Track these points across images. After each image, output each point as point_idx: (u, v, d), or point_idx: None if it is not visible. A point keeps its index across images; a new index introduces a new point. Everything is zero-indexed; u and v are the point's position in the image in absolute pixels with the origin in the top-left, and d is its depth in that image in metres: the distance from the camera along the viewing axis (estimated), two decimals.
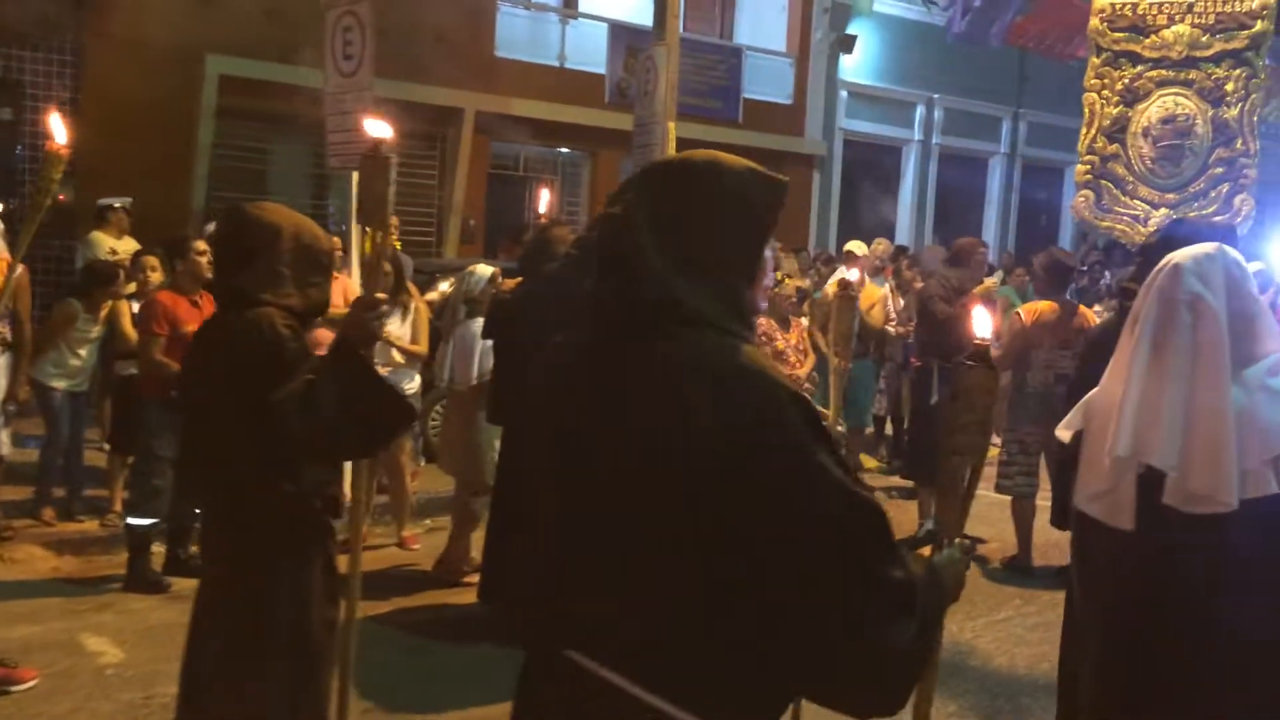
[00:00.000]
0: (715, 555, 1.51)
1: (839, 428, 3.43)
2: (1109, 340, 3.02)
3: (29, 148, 10.08)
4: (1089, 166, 7.47)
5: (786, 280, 8.39)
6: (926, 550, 1.88)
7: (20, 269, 6.67)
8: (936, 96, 16.91)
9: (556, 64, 13.29)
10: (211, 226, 9.08)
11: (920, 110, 17.00)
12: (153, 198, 9.87)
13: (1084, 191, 7.51)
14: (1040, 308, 6.31)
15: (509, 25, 13.06)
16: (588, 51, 13.36)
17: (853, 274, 3.86)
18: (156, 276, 6.26)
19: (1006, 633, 5.32)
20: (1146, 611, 2.65)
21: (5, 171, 10.19)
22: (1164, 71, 7.19)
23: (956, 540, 1.99)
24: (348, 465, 3.34)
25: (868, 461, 9.72)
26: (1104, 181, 7.41)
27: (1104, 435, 2.68)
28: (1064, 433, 2.94)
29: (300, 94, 9.36)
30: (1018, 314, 6.51)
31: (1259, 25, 6.93)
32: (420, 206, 12.33)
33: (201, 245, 6.93)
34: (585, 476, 1.61)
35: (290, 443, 2.32)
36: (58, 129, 3.57)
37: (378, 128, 2.61)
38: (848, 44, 15.57)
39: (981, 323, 2.08)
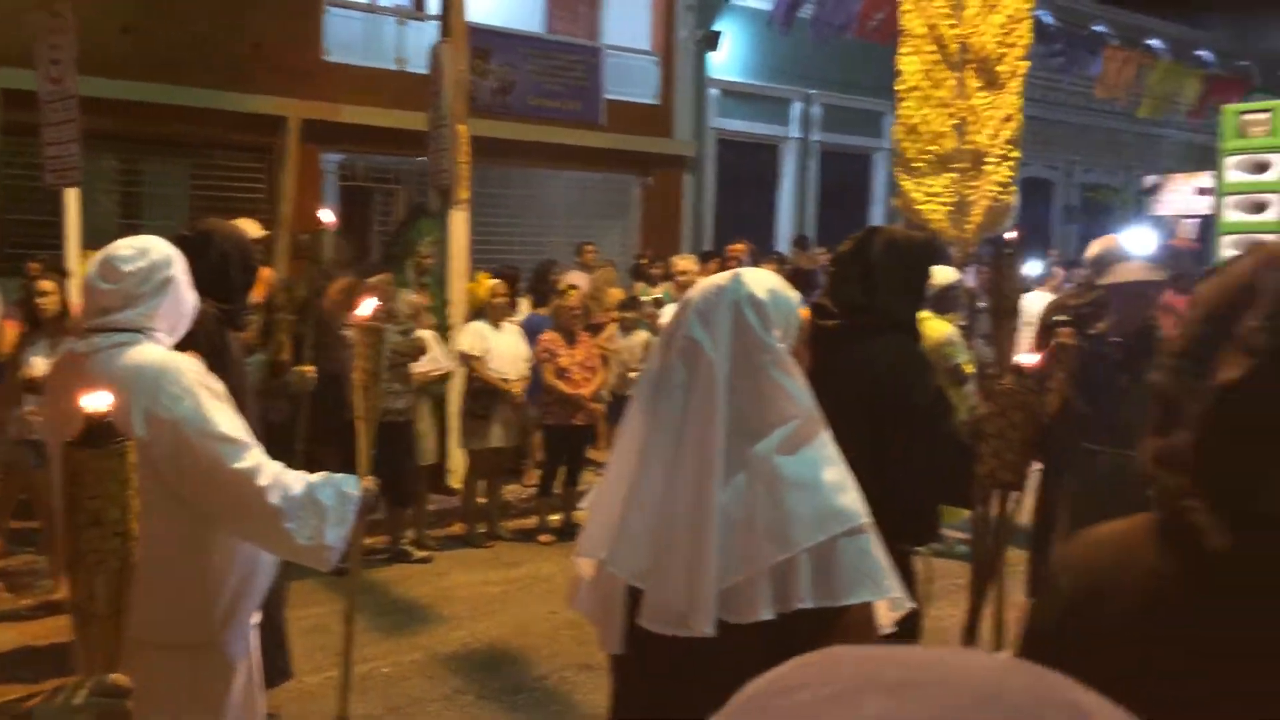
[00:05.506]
0: None
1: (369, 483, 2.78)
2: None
3: None
4: None
5: (571, 291, 7.82)
6: None
7: None
8: (814, 92, 16.44)
9: (395, 67, 12.62)
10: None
11: (798, 107, 16.52)
12: None
13: None
14: None
15: (339, 27, 12.38)
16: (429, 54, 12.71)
17: (368, 304, 3.22)
18: None
19: None
20: None
21: None
22: None
23: (86, 683, 1.43)
24: None
25: None
26: None
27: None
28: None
29: (100, 106, 8.72)
30: None
31: None
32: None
33: None
34: None
35: None
36: None
37: None
38: (712, 40, 15.04)
39: None
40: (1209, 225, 11.84)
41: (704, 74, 15.38)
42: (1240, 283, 1.12)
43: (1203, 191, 15.88)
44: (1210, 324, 1.12)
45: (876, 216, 17.47)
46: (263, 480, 2.63)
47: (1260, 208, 7.17)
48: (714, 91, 15.58)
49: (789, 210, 16.79)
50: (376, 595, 6.32)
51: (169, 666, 2.67)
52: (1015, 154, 6.55)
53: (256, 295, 5.23)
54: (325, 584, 6.14)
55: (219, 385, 2.79)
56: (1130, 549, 1.19)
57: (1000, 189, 6.52)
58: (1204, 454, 1.11)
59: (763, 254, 12.40)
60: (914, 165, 6.77)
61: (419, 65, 12.70)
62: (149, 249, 2.78)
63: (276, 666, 4.41)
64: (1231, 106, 7.79)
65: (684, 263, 9.01)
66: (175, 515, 2.64)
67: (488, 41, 12.85)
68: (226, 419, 2.67)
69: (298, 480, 2.71)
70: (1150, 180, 19.08)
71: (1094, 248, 5.53)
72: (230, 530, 2.73)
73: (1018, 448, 2.64)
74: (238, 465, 2.62)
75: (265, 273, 5.69)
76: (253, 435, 2.82)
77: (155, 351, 2.70)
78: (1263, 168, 7.12)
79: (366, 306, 3.21)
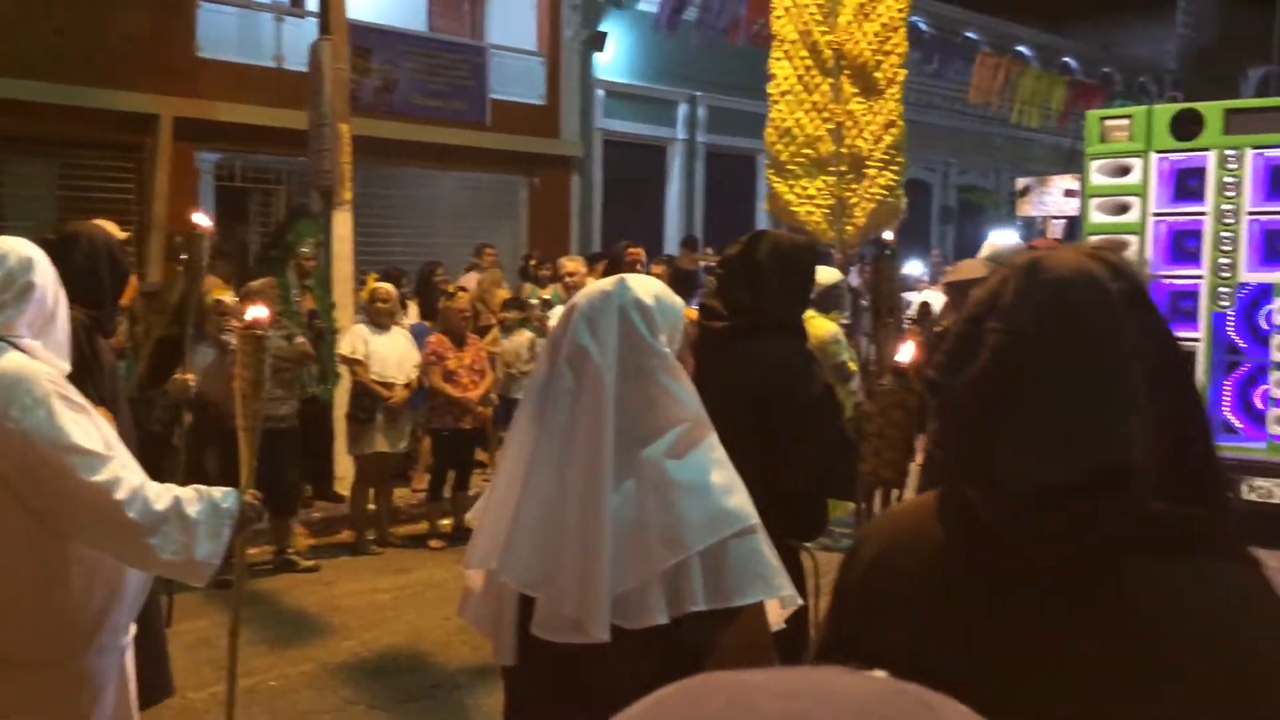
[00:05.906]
0: None
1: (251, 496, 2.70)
2: None
3: None
4: None
5: (461, 293, 7.76)
6: None
7: None
8: (699, 94, 16.61)
9: (273, 65, 12.32)
10: None
11: (683, 108, 16.68)
12: None
13: None
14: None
15: (213, 23, 12.01)
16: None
17: (258, 311, 3.14)
18: None
19: None
20: None
21: None
22: None
23: None
24: None
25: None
26: None
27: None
28: None
29: None
30: None
31: None
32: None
33: None
34: None
35: None
36: None
37: None
38: (598, 41, 15.08)
39: None
40: (1076, 226, 12.38)
41: (590, 75, 15.42)
42: (991, 290, 1.29)
43: (1070, 193, 16.55)
44: (970, 325, 1.29)
45: (762, 217, 17.73)
46: (120, 494, 2.52)
47: (1123, 209, 7.49)
48: (600, 93, 15.62)
49: (676, 211, 16.94)
50: (262, 606, 6.16)
51: (27, 685, 2.57)
52: (900, 159, 6.72)
53: (125, 299, 5.06)
54: (209, 596, 5.96)
55: (80, 396, 2.68)
56: (921, 522, 1.33)
57: (887, 193, 6.67)
58: (959, 439, 1.27)
59: (651, 255, 12.48)
60: (788, 168, 6.87)
61: (298, 63, 12.42)
62: (6, 254, 2.66)
63: (157, 683, 4.26)
64: (1095, 112, 8.14)
65: (572, 264, 8.99)
66: (28, 529, 2.54)
67: (368, 39, 12.63)
68: (82, 431, 2.55)
69: (163, 494, 2.60)
70: (1023, 182, 19.80)
71: (985, 249, 5.75)
72: (91, 545, 2.62)
73: (898, 445, 2.72)
74: (93, 478, 2.50)
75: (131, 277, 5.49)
76: (123, 445, 2.72)
77: (13, 360, 2.58)
78: (1124, 171, 7.44)
79: (250, 312, 3.13)
